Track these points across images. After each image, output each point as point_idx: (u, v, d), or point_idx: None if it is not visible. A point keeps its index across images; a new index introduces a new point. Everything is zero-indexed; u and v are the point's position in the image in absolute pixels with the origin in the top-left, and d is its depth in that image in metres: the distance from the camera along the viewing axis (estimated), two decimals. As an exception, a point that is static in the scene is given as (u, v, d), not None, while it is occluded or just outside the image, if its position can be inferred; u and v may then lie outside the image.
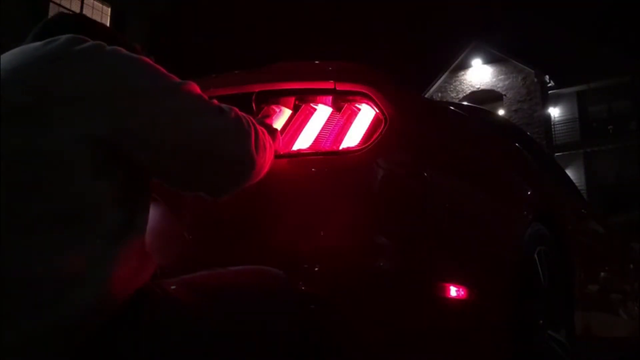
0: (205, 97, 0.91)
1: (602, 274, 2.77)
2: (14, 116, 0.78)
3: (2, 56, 0.86)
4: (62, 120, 0.77)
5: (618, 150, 19.94)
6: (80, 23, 1.01)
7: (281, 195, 1.28)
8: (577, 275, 2.14)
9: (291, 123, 1.38)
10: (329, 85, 1.37)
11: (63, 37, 0.84)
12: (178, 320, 0.85)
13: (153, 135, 0.83)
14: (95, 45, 0.84)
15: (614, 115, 20.85)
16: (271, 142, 1.09)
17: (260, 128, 1.03)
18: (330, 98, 1.38)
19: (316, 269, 1.20)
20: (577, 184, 3.57)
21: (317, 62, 1.52)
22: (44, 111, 0.78)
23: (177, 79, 0.89)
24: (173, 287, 0.91)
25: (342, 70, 1.42)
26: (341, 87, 1.36)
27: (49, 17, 1.04)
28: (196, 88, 0.90)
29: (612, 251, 3.12)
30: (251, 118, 1.01)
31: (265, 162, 1.03)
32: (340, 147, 1.30)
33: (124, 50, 0.86)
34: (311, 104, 1.39)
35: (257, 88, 1.42)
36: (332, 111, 1.37)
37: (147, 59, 0.88)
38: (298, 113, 1.39)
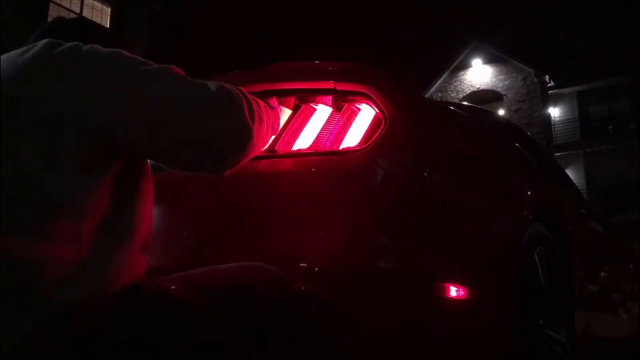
0: (188, 76, 0.90)
1: (602, 274, 2.77)
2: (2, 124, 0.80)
3: None
4: (48, 124, 0.79)
5: (618, 150, 19.93)
6: (77, 26, 1.02)
7: (281, 195, 1.28)
8: (577, 275, 2.14)
9: (291, 123, 1.38)
10: (329, 85, 1.37)
11: (40, 43, 0.86)
12: (173, 316, 0.85)
13: (142, 122, 0.83)
14: (72, 46, 0.85)
15: (614, 115, 20.84)
16: (269, 115, 1.05)
17: (254, 99, 1.00)
18: (330, 98, 1.38)
19: (316, 269, 1.20)
20: (577, 184, 3.57)
21: (317, 62, 1.53)
22: (31, 117, 0.80)
23: (156, 65, 0.89)
24: (169, 285, 0.91)
25: (342, 70, 1.42)
26: (341, 87, 1.36)
27: (48, 22, 1.05)
28: (178, 70, 0.90)
29: (612, 251, 3.12)
30: (243, 90, 0.99)
31: (263, 134, 1.00)
32: (340, 147, 1.30)
33: (100, 47, 0.87)
34: (311, 104, 1.39)
35: (257, 88, 1.41)
36: (332, 111, 1.37)
37: (126, 52, 0.88)
38: (298, 113, 1.39)
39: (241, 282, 0.98)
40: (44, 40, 0.86)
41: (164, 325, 0.84)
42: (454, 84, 22.09)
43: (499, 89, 21.31)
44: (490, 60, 21.60)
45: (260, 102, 1.04)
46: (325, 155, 1.30)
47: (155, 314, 0.84)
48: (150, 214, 0.94)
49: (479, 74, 21.79)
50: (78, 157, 0.80)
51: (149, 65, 0.88)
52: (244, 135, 0.92)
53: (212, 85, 0.91)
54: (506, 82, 21.31)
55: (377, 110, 1.32)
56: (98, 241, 0.80)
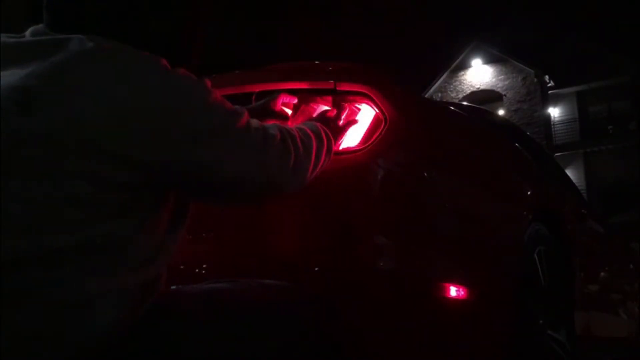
0: (251, 126, 0.88)
1: (602, 274, 2.77)
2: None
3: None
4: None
5: (618, 150, 19.96)
6: None
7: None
8: (577, 275, 2.14)
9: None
10: (329, 85, 1.37)
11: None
12: (189, 337, 0.84)
13: (191, 167, 0.81)
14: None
15: (614, 115, 20.86)
16: (321, 147, 1.06)
17: (304, 139, 1.00)
18: (330, 98, 1.38)
19: (316, 269, 1.20)
20: (577, 184, 3.57)
21: (317, 62, 1.53)
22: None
23: (225, 108, 0.85)
24: (183, 301, 0.91)
25: (342, 70, 1.42)
26: (341, 87, 1.36)
27: None
28: (244, 119, 0.87)
29: (612, 251, 3.13)
30: (296, 129, 1.01)
31: (309, 173, 1.01)
32: (340, 147, 1.30)
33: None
34: (311, 104, 1.39)
35: (257, 88, 1.42)
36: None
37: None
38: (298, 113, 1.39)
39: (263, 303, 0.96)
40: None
41: (178, 346, 0.83)
42: (454, 84, 22.09)
43: (499, 89, 21.32)
44: (490, 60, 21.60)
45: (315, 133, 1.07)
46: (325, 155, 1.30)
47: (170, 334, 0.83)
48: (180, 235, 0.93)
49: (479, 74, 21.80)
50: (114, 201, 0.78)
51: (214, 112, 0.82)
52: (277, 190, 0.95)
53: (270, 135, 0.90)
54: (506, 82, 21.32)
55: (377, 110, 1.32)
56: (127, 273, 0.79)
